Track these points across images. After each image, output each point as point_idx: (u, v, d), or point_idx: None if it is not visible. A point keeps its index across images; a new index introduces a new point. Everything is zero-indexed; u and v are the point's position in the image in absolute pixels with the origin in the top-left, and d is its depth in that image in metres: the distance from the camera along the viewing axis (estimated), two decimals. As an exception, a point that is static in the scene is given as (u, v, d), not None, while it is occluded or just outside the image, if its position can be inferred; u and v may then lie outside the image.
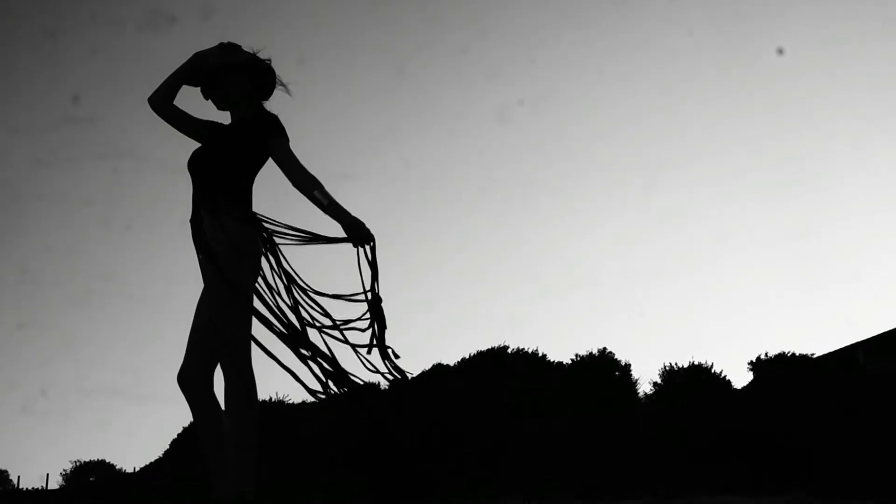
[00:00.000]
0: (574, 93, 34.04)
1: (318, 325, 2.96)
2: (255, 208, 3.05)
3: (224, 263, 2.89)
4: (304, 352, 2.86)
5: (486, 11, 35.48)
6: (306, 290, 3.01)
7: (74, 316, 41.20)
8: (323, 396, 2.85)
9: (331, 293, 2.99)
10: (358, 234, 2.90)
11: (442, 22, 36.20)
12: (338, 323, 2.95)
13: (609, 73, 33.36)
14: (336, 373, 2.85)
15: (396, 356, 2.93)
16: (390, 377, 2.94)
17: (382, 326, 2.93)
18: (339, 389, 2.86)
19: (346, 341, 2.94)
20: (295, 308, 2.95)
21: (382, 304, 2.95)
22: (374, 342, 2.92)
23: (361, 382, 2.90)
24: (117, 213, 36.25)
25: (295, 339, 2.87)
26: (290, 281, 2.98)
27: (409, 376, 2.98)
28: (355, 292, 2.96)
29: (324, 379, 2.84)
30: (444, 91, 36.78)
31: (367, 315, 2.93)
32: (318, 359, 2.87)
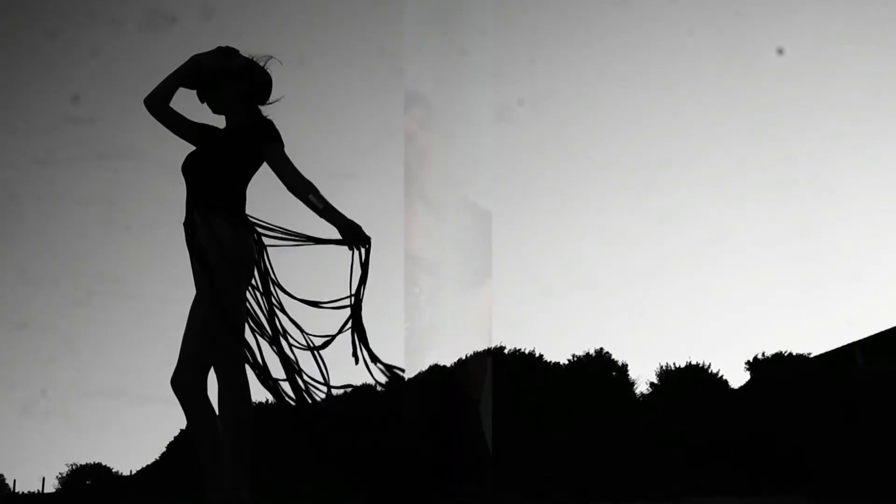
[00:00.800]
0: (574, 93, 34.00)
1: (295, 343, 2.94)
2: (249, 212, 3.03)
3: (216, 269, 2.87)
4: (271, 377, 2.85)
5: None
6: (282, 299, 2.97)
7: (74, 316, 41.13)
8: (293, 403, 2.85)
9: (312, 300, 2.94)
10: (354, 235, 2.88)
11: (442, 22, 36.12)
12: (312, 344, 2.92)
13: (609, 73, 33.33)
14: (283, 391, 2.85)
15: (377, 359, 2.88)
16: (384, 378, 2.91)
17: (362, 334, 2.89)
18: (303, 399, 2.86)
19: (314, 354, 2.92)
20: (272, 320, 2.93)
21: (362, 310, 2.89)
22: (357, 352, 2.88)
23: (317, 399, 2.88)
24: (117, 213, 36.17)
25: (259, 365, 2.87)
26: (268, 292, 2.95)
27: (402, 374, 2.93)
28: (334, 298, 2.92)
29: (292, 396, 2.85)
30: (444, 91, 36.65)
31: (348, 326, 2.89)
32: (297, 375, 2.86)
